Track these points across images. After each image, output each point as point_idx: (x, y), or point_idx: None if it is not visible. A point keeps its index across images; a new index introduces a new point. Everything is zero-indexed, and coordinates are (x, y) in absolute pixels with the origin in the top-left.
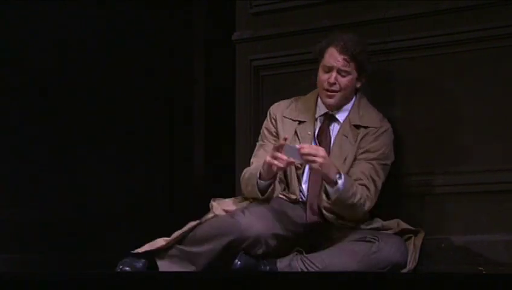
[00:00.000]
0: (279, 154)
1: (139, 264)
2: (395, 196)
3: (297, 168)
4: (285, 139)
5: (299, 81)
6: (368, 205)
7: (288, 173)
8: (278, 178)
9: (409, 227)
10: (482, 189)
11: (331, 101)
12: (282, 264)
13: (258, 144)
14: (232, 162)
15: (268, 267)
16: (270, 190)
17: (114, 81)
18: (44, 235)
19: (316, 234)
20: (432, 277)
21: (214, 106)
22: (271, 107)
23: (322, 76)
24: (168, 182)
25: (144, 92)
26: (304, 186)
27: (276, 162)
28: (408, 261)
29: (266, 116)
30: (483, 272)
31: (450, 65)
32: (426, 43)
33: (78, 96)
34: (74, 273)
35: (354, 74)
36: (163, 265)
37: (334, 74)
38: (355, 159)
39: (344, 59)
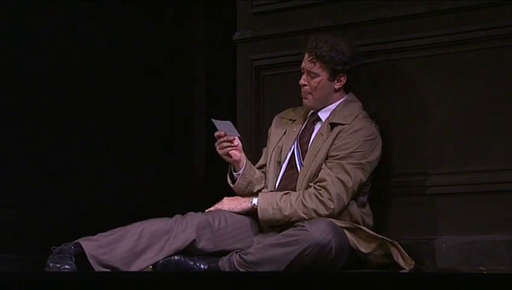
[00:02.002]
0: (215, 134)
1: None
2: (395, 196)
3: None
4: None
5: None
6: (327, 207)
7: (267, 173)
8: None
9: (374, 234)
10: (483, 189)
11: (305, 102)
12: (222, 262)
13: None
14: None
15: (207, 266)
16: (239, 177)
17: (114, 81)
18: (44, 235)
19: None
20: (432, 277)
21: (215, 105)
22: None
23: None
24: (168, 182)
25: (145, 92)
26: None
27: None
28: (403, 264)
29: (268, 117)
30: (484, 272)
31: (450, 65)
32: (427, 43)
33: (78, 96)
34: (74, 273)
35: (324, 75)
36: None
37: (304, 75)
38: (327, 155)
39: (310, 60)
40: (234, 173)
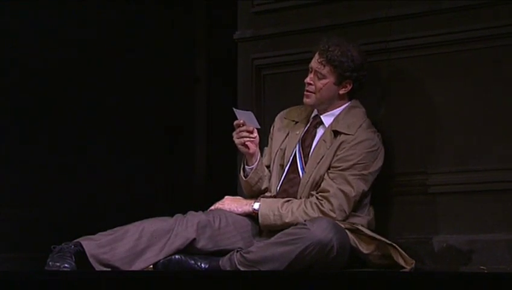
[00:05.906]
0: (235, 122)
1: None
2: (396, 195)
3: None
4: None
5: (300, 80)
6: (328, 217)
7: (271, 176)
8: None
9: (373, 235)
10: (483, 188)
11: (306, 100)
12: (223, 261)
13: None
14: (234, 162)
15: (208, 265)
16: (251, 172)
17: (115, 81)
18: (45, 234)
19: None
20: (432, 277)
21: (216, 105)
22: None
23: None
24: (169, 182)
25: (146, 91)
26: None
27: (234, 134)
28: (403, 263)
29: (269, 116)
30: (485, 272)
31: (450, 64)
32: (427, 42)
33: (79, 96)
34: (74, 272)
35: (331, 79)
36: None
37: (311, 74)
38: (330, 164)
39: (320, 62)
40: (247, 167)
